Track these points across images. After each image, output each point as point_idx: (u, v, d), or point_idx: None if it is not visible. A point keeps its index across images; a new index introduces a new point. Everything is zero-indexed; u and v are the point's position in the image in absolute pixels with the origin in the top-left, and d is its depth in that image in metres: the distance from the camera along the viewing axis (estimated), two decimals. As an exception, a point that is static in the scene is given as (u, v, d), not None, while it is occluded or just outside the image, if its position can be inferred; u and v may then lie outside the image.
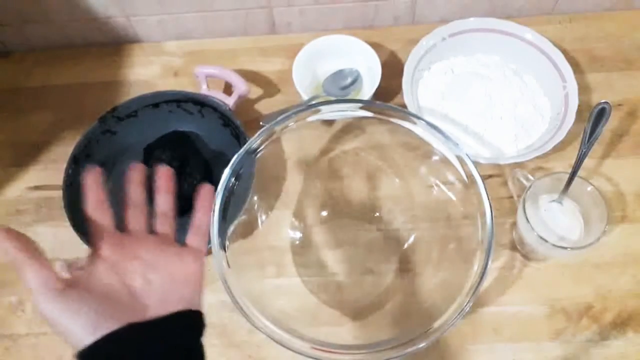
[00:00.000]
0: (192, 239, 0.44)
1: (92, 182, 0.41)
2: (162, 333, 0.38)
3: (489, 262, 0.52)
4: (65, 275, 0.40)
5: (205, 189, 0.47)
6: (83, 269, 0.39)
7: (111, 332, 0.35)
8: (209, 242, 0.48)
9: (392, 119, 0.60)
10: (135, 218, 0.42)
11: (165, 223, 0.43)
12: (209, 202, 0.46)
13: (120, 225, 0.42)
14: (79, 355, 0.35)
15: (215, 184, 0.55)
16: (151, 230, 0.43)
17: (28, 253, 0.35)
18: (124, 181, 0.43)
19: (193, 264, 0.42)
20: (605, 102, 0.59)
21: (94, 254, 0.39)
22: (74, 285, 0.36)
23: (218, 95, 0.69)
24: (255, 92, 0.76)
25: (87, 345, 0.34)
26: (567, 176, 0.59)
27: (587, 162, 0.61)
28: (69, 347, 0.61)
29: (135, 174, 0.43)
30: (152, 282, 0.39)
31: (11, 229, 0.36)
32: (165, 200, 0.43)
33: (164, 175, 0.44)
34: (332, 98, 0.70)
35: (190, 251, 0.42)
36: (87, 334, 0.35)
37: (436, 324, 0.52)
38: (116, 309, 0.36)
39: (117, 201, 0.59)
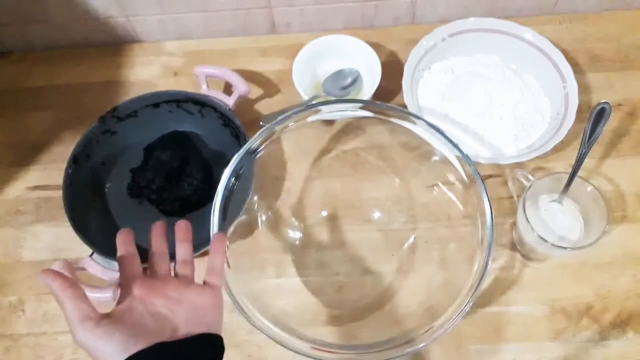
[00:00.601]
0: (208, 278, 0.49)
1: (124, 240, 0.48)
2: (187, 350, 0.43)
3: (489, 262, 0.53)
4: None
5: (216, 235, 0.54)
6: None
7: (140, 350, 0.40)
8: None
9: (392, 119, 0.60)
10: (159, 264, 0.48)
11: (185, 267, 0.49)
12: (221, 246, 0.52)
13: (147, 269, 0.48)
14: None
15: (215, 184, 0.55)
16: (174, 273, 0.49)
17: (68, 290, 0.41)
18: (149, 235, 0.50)
19: (211, 298, 0.47)
20: (605, 102, 0.59)
21: (126, 292, 0.45)
22: (107, 316, 0.42)
23: (218, 95, 0.69)
24: (255, 92, 0.76)
25: None
26: (567, 176, 0.59)
27: (587, 162, 0.61)
28: (68, 347, 0.61)
29: (157, 229, 0.50)
30: (176, 312, 0.44)
31: (52, 271, 0.42)
32: (184, 249, 0.50)
33: (182, 228, 0.50)
34: (332, 98, 0.70)
35: (208, 288, 0.48)
36: (118, 354, 0.39)
37: (436, 324, 0.52)
38: (145, 333, 0.42)
39: (117, 202, 0.59)
